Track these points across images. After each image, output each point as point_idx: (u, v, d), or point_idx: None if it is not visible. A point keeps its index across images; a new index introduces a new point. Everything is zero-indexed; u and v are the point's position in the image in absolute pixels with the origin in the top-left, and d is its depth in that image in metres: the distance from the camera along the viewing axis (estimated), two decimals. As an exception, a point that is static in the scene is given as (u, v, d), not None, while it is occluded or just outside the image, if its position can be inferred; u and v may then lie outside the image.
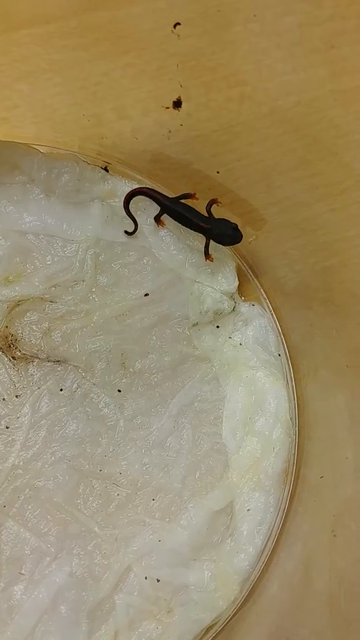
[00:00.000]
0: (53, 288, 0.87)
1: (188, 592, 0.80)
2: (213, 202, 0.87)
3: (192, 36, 0.74)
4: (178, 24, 0.72)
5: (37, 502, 0.81)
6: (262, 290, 0.94)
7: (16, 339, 0.86)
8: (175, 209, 0.87)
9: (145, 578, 0.79)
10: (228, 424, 0.87)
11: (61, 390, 0.85)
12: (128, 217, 0.88)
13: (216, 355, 0.90)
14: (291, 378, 0.91)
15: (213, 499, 0.83)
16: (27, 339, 0.86)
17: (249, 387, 0.88)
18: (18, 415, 0.84)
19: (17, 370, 0.85)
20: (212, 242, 0.87)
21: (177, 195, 0.88)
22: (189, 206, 0.87)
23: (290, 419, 0.87)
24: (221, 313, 0.91)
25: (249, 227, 0.89)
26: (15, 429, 0.83)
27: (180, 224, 0.88)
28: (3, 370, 0.85)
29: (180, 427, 0.87)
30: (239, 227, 0.85)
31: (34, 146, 0.87)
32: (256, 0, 0.70)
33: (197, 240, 0.90)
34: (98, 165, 0.90)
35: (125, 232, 0.89)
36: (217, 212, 0.87)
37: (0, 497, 0.81)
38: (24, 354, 0.85)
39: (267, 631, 0.80)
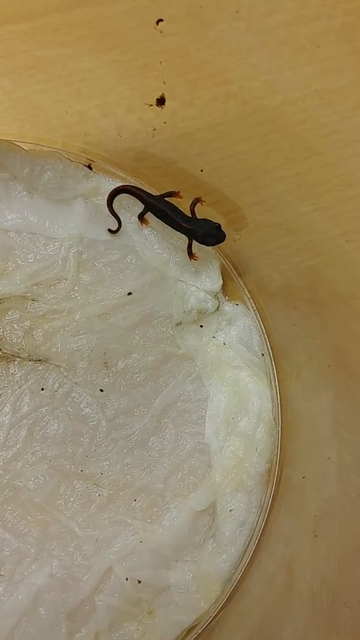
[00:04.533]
0: (35, 286, 0.86)
1: (169, 593, 0.80)
2: (197, 200, 0.87)
3: (177, 34, 0.74)
4: (161, 20, 0.72)
5: (17, 503, 0.80)
6: (246, 289, 0.94)
7: (-3, 338, 0.85)
8: (159, 207, 0.86)
9: (127, 579, 0.79)
10: (211, 423, 0.87)
11: (42, 389, 0.84)
12: (111, 215, 0.88)
13: (199, 355, 0.89)
14: (274, 378, 0.91)
15: (195, 499, 0.83)
16: (8, 338, 0.85)
17: (232, 387, 0.88)
18: (-2, 414, 0.83)
19: (-2, 369, 0.84)
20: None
21: (161, 193, 0.88)
22: (173, 205, 0.86)
23: (274, 419, 0.87)
24: (205, 312, 0.90)
25: (234, 227, 0.89)
26: (-5, 429, 0.82)
27: (164, 223, 0.88)
28: (-16, 369, 0.84)
29: (162, 427, 0.86)
30: (222, 227, 0.84)
31: (17, 143, 0.86)
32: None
33: (181, 239, 0.89)
34: (82, 163, 0.89)
35: (109, 230, 0.88)
36: (202, 211, 0.87)
37: (-21, 497, 0.80)
38: (5, 353, 0.84)
39: (249, 632, 0.80)
